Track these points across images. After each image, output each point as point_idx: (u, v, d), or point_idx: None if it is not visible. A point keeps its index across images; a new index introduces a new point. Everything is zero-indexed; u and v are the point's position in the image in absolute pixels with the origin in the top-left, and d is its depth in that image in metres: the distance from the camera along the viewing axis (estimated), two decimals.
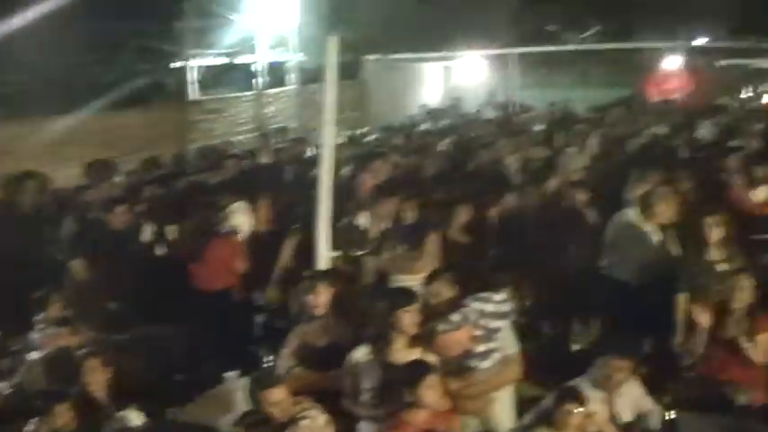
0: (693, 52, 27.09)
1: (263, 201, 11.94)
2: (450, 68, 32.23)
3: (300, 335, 7.85)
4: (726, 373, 7.81)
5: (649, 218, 10.12)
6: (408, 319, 7.12)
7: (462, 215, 11.19)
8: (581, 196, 11.44)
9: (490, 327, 7.54)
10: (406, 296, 7.39)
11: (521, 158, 15.02)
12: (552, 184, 12.23)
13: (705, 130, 18.19)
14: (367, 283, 9.96)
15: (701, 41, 26.59)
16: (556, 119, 21.75)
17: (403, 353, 7.10)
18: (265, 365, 8.08)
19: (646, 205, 10.23)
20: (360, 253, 10.12)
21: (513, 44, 26.96)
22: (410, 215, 10.34)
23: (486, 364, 7.51)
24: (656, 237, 10.01)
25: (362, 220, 10.49)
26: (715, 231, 9.02)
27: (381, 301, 7.41)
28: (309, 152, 16.61)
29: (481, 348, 7.49)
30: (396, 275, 9.87)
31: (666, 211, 9.99)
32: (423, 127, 23.09)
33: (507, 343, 7.72)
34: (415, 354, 7.10)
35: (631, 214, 10.35)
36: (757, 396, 7.79)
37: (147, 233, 11.47)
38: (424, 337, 7.28)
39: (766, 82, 33.81)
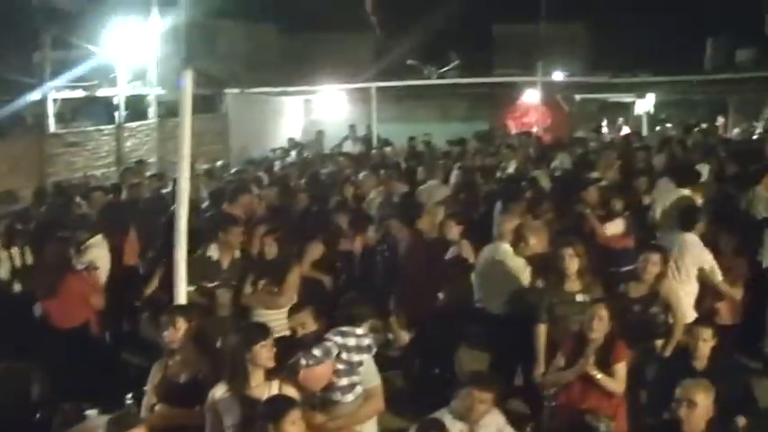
0: (552, 86, 27.59)
1: (126, 235, 11.80)
2: (312, 102, 32.27)
3: (162, 370, 7.71)
4: (586, 402, 7.86)
5: (520, 250, 10.22)
6: (265, 353, 7.07)
7: (315, 251, 11.18)
8: (453, 229, 11.49)
9: (353, 360, 7.54)
10: (261, 330, 7.35)
11: (383, 192, 15.08)
12: (419, 217, 12.21)
13: (561, 162, 18.56)
14: (223, 317, 9.90)
15: (558, 76, 27.10)
16: (417, 152, 21.94)
17: (261, 388, 7.02)
18: (128, 402, 7.86)
19: (517, 238, 10.34)
20: (212, 285, 10.00)
21: (373, 78, 27.06)
22: (272, 250, 10.21)
23: (349, 397, 7.51)
24: (525, 269, 10.13)
25: (213, 251, 10.37)
26: (572, 262, 9.12)
27: (236, 336, 7.35)
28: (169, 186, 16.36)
29: (344, 382, 7.48)
30: (258, 310, 9.82)
31: (537, 243, 10.11)
32: (284, 160, 23.06)
33: (370, 376, 7.72)
34: (274, 388, 7.05)
35: (503, 247, 10.43)
36: (617, 425, 7.87)
37: (3, 268, 11.18)
38: (286, 371, 7.22)
39: (622, 115, 34.77)
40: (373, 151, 23.25)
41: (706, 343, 8.03)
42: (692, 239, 10.59)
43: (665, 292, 9.23)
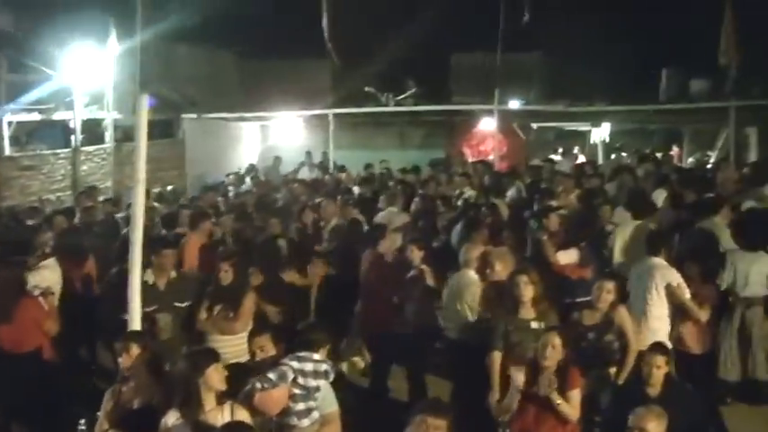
0: (508, 115, 27.74)
1: (83, 259, 11.77)
2: (269, 128, 32.26)
3: (115, 396, 7.68)
4: (540, 429, 7.91)
5: (486, 277, 10.30)
6: (217, 376, 7.07)
7: (254, 280, 11.18)
8: (415, 253, 11.52)
9: (309, 385, 7.56)
10: (211, 354, 7.40)
11: (341, 219, 15.09)
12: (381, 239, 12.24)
13: (517, 190, 18.68)
14: (165, 340, 9.89)
15: (515, 104, 27.25)
16: (369, 179, 21.98)
17: (214, 413, 7.01)
18: (81, 428, 7.81)
19: (483, 265, 10.38)
20: (150, 309, 9.87)
21: (330, 105, 27.11)
22: (227, 276, 10.18)
23: (305, 422, 7.52)
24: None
25: (148, 276, 10.27)
26: (527, 290, 9.17)
27: (187, 361, 7.31)
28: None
29: (300, 407, 7.49)
30: (213, 335, 9.80)
31: (503, 269, 10.15)
32: (239, 186, 23.01)
33: (327, 402, 7.73)
34: (226, 413, 7.04)
35: (468, 274, 10.48)
36: None
37: None
38: (242, 396, 7.21)
39: (578, 144, 35.06)
40: (326, 177, 23.21)
41: (659, 370, 8.12)
42: (658, 262, 10.76)
43: (619, 320, 9.33)
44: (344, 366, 12.16)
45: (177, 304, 10.36)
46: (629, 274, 11.18)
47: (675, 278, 10.54)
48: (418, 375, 11.43)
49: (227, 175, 24.74)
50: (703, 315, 10.71)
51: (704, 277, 11.18)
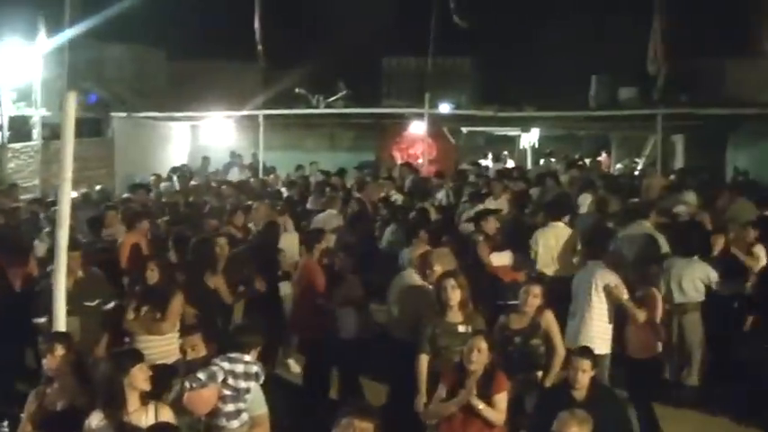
0: (439, 119, 27.82)
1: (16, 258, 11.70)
2: (199, 128, 32.03)
3: (39, 397, 7.59)
4: None
5: (427, 278, 10.36)
6: (142, 375, 7.03)
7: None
8: (347, 261, 11.63)
9: (239, 387, 7.56)
10: (135, 354, 7.43)
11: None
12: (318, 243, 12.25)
13: (443, 195, 18.84)
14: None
15: (445, 108, 27.30)
16: (293, 182, 21.96)
17: (138, 413, 6.97)
18: (3, 430, 7.72)
19: (424, 265, 10.42)
20: None
21: (260, 106, 26.97)
22: (154, 275, 10.13)
23: (234, 423, 7.52)
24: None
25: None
26: (454, 293, 9.21)
27: (110, 361, 7.26)
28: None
29: (230, 408, 7.49)
30: (140, 336, 9.74)
31: (442, 271, 10.21)
32: (160, 186, 22.81)
33: (257, 404, 7.73)
34: (151, 413, 7.00)
35: (411, 275, 10.52)
36: None
37: None
38: (173, 396, 7.19)
39: (508, 149, 35.28)
40: (251, 180, 23.07)
41: (585, 374, 8.16)
42: (597, 264, 11.04)
43: (546, 325, 9.39)
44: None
45: (87, 303, 10.37)
46: (573, 280, 11.35)
47: (613, 279, 10.74)
48: (352, 379, 11.44)
49: (153, 176, 24.42)
50: (641, 315, 10.76)
51: (645, 280, 11.30)
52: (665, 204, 16.12)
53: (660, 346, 11.00)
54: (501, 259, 12.57)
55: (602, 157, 34.16)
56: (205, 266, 11.65)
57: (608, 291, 10.68)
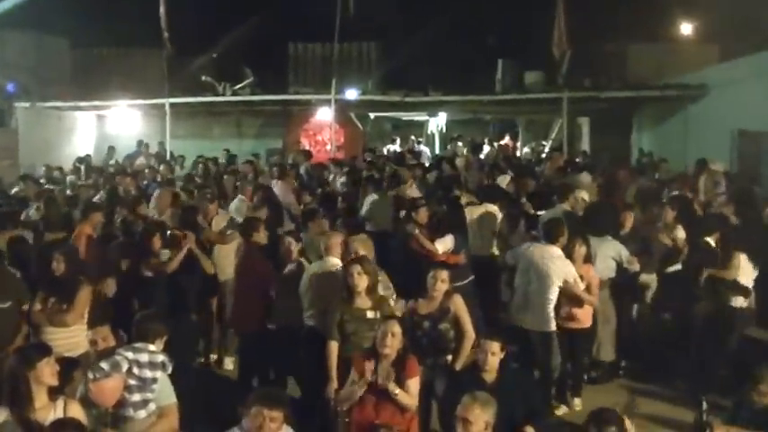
0: (345, 105, 27.78)
1: None
2: (105, 118, 31.60)
3: None
4: (379, 417, 7.91)
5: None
6: (48, 370, 6.91)
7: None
8: (295, 246, 11.60)
9: (145, 377, 7.49)
10: (42, 348, 7.25)
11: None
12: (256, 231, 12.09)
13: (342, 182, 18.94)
14: None
15: (352, 94, 27.24)
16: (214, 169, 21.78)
17: (46, 410, 6.86)
18: None
19: (346, 251, 10.54)
20: None
21: (166, 94, 26.66)
22: (60, 267, 9.96)
23: (141, 414, 7.44)
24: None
25: None
26: (361, 280, 9.19)
27: (16, 356, 7.12)
28: None
29: (136, 398, 7.40)
30: (46, 328, 9.56)
31: (368, 254, 10.29)
32: (74, 178, 22.42)
33: (164, 394, 7.64)
34: (59, 409, 6.89)
35: (333, 261, 10.49)
36: None
37: None
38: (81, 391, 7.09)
39: (416, 134, 35.44)
40: (161, 167, 22.78)
41: (494, 356, 8.20)
42: (556, 252, 11.10)
43: (455, 309, 9.40)
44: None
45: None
46: (520, 255, 11.51)
47: (571, 273, 10.96)
48: (283, 369, 11.38)
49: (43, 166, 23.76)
50: (592, 300, 11.22)
51: (587, 259, 11.59)
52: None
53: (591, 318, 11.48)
54: (445, 244, 12.64)
55: (506, 140, 34.47)
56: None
57: (566, 285, 10.91)
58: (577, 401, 11.46)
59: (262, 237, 11.96)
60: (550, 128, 32.26)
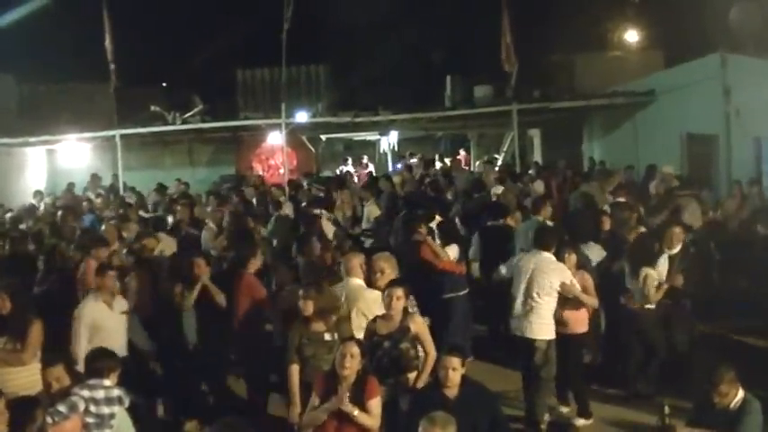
0: (296, 128, 27.70)
1: None
2: (56, 152, 31.30)
3: None
4: None
5: (374, 283, 10.38)
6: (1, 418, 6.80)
7: None
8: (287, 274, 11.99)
9: (103, 413, 7.45)
10: None
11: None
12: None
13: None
14: None
15: (302, 117, 27.15)
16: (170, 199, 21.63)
17: None
18: None
19: (369, 271, 10.53)
20: None
21: (117, 125, 26.46)
22: (6, 305, 9.72)
23: None
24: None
25: None
26: (307, 305, 9.15)
27: None
28: None
29: None
30: (3, 369, 9.33)
31: (392, 273, 10.43)
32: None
33: (123, 428, 7.59)
34: None
35: (356, 282, 10.47)
36: None
37: None
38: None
39: (368, 153, 35.46)
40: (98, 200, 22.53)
41: (456, 372, 8.18)
42: (549, 257, 11.13)
43: (416, 328, 9.28)
44: None
45: None
46: (514, 265, 11.52)
47: (567, 275, 11.03)
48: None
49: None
50: (593, 301, 11.33)
51: (580, 265, 11.71)
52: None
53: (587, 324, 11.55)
54: (453, 252, 12.98)
55: (461, 155, 34.54)
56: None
57: (564, 287, 10.94)
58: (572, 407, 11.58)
59: (258, 264, 11.95)
60: (502, 141, 32.37)
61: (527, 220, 14.62)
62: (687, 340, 12.48)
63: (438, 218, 14.65)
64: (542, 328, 10.90)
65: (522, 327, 11.00)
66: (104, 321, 10.47)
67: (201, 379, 11.85)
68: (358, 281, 10.40)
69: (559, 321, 11.09)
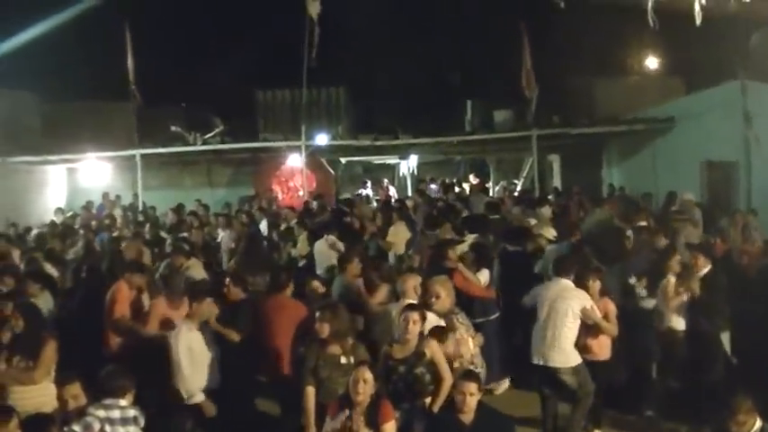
0: (316, 150, 27.70)
1: None
2: (76, 171, 31.39)
3: None
4: None
5: (430, 306, 10.36)
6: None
7: None
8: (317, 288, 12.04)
9: None
10: (7, 411, 7.11)
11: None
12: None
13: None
14: None
15: (322, 139, 27.14)
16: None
17: None
18: None
19: (425, 293, 10.57)
20: None
21: (137, 145, 26.52)
22: (19, 323, 9.71)
23: None
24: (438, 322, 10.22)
25: None
26: (323, 328, 9.11)
27: None
28: None
29: None
30: (14, 387, 9.28)
31: (447, 297, 10.55)
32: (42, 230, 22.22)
33: None
34: None
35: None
36: None
37: None
38: None
39: (387, 176, 35.43)
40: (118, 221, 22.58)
41: (472, 397, 8.17)
42: (568, 284, 11.16)
43: (431, 353, 9.21)
44: None
45: None
46: (536, 295, 11.49)
47: (588, 301, 10.97)
48: None
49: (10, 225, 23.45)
50: (612, 330, 11.16)
51: (603, 292, 11.56)
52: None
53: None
54: (484, 277, 12.96)
55: (472, 179, 34.51)
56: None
57: (585, 313, 10.88)
58: None
59: (291, 289, 11.88)
60: (521, 166, 32.34)
61: (555, 244, 14.78)
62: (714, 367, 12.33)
63: (470, 237, 14.74)
64: (566, 356, 10.86)
65: (546, 356, 10.94)
66: (196, 346, 10.35)
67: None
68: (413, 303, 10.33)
69: (583, 348, 11.02)
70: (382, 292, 11.86)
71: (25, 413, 7.59)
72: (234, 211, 23.87)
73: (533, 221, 17.11)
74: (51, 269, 14.96)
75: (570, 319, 10.85)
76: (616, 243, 14.20)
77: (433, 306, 10.28)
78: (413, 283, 10.69)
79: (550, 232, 15.75)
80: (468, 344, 10.19)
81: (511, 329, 13.31)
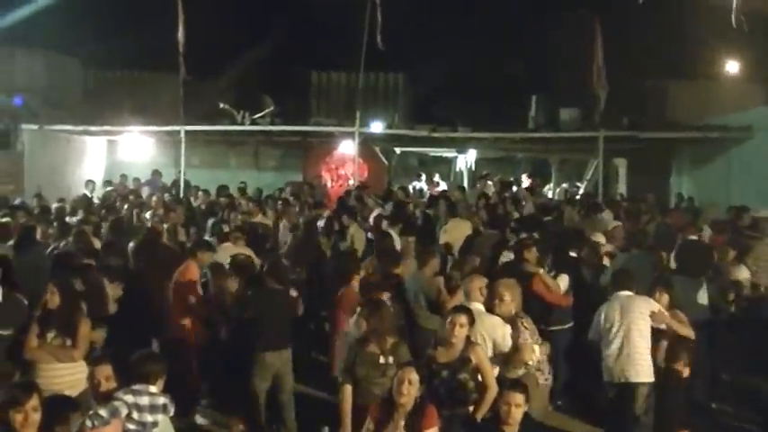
0: (370, 138, 27.63)
1: None
2: (117, 143, 31.56)
3: None
4: None
5: (495, 309, 10.50)
6: (19, 418, 6.82)
7: None
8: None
9: (146, 421, 7.45)
10: (20, 392, 7.07)
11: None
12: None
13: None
14: None
15: (378, 127, 27.05)
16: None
17: None
18: None
19: (490, 296, 10.66)
20: None
21: (182, 121, 26.52)
22: (54, 299, 9.83)
23: None
24: (503, 326, 10.34)
25: None
26: (362, 324, 9.16)
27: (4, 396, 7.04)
28: None
29: None
30: (50, 365, 9.40)
31: (512, 301, 10.60)
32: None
33: None
34: None
35: (474, 307, 10.44)
36: None
37: None
38: None
39: (443, 170, 35.34)
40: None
41: (518, 408, 8.17)
42: (629, 293, 11.34)
43: (477, 360, 9.23)
44: None
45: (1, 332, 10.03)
46: (603, 311, 11.45)
47: (653, 305, 11.11)
48: None
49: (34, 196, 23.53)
50: (687, 331, 11.13)
51: (672, 304, 11.59)
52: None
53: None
54: (564, 283, 12.97)
55: (527, 181, 34.33)
56: None
57: (654, 318, 11.00)
58: None
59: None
60: (585, 168, 32.12)
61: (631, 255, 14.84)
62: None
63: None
64: (645, 370, 10.88)
65: (625, 372, 10.96)
66: None
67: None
68: (476, 305, 10.38)
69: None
70: (461, 293, 11.85)
71: (53, 392, 7.68)
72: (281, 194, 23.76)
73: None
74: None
75: (642, 330, 10.95)
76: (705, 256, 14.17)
77: (496, 309, 10.34)
78: (478, 284, 10.71)
79: (601, 238, 15.63)
80: (534, 349, 10.17)
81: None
